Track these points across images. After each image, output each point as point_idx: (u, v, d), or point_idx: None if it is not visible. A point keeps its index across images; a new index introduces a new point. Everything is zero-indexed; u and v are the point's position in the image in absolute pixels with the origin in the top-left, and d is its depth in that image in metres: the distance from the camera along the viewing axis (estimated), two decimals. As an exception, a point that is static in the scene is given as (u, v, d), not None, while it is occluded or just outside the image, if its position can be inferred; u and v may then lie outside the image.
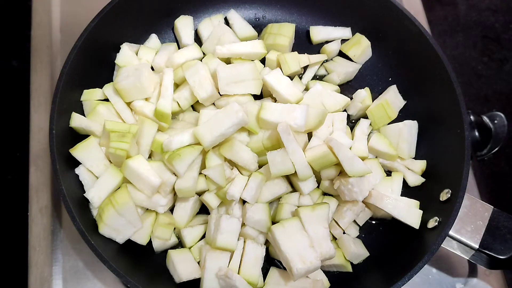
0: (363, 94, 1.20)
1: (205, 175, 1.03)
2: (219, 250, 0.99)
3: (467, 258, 1.04)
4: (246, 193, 1.02)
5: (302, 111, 1.03)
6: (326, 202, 1.07)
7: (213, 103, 1.14)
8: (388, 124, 1.19)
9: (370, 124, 1.19)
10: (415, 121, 1.18)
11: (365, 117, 1.22)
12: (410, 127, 1.16)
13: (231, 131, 1.01)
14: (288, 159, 1.01)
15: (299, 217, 0.98)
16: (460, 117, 1.07)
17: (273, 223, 1.02)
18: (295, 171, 1.02)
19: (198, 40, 1.28)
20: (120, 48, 1.16)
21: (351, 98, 1.21)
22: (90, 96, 1.11)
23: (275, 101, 1.14)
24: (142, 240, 1.03)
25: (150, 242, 1.04)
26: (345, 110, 1.21)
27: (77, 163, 1.03)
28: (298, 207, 1.04)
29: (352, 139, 1.15)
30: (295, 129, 1.03)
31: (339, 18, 1.32)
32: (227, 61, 1.18)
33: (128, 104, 1.10)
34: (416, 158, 1.18)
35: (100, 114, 1.07)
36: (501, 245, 0.99)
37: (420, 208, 1.08)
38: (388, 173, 1.17)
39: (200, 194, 1.06)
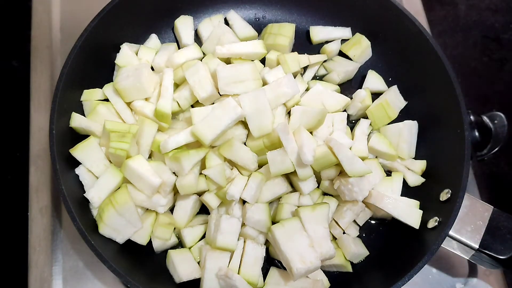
0: (363, 94, 1.19)
1: (205, 175, 1.03)
2: (219, 250, 0.99)
3: (467, 258, 1.04)
4: (246, 193, 1.02)
5: (289, 79, 1.07)
6: (326, 202, 1.07)
7: (213, 103, 1.14)
8: (388, 124, 1.19)
9: (370, 124, 1.19)
10: (415, 121, 1.18)
11: (365, 117, 1.22)
12: (410, 127, 1.16)
13: (230, 126, 1.02)
14: (288, 158, 1.01)
15: (299, 217, 0.98)
16: (460, 117, 1.07)
17: (273, 223, 1.02)
18: (295, 171, 1.02)
19: (198, 40, 1.28)
20: (120, 48, 1.16)
21: (351, 98, 1.21)
22: (90, 96, 1.11)
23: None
24: (142, 240, 1.03)
25: (150, 242, 1.04)
26: (345, 110, 1.21)
27: (77, 163, 1.03)
28: (298, 207, 1.04)
29: (352, 139, 1.15)
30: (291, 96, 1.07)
31: (339, 18, 1.31)
32: (227, 61, 1.18)
33: (128, 104, 1.10)
34: (416, 158, 1.18)
35: (100, 114, 1.07)
36: (501, 245, 0.99)
37: (420, 208, 1.08)
38: (388, 173, 1.17)
39: (200, 194, 1.06)
